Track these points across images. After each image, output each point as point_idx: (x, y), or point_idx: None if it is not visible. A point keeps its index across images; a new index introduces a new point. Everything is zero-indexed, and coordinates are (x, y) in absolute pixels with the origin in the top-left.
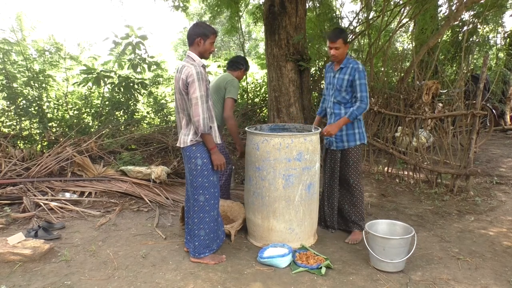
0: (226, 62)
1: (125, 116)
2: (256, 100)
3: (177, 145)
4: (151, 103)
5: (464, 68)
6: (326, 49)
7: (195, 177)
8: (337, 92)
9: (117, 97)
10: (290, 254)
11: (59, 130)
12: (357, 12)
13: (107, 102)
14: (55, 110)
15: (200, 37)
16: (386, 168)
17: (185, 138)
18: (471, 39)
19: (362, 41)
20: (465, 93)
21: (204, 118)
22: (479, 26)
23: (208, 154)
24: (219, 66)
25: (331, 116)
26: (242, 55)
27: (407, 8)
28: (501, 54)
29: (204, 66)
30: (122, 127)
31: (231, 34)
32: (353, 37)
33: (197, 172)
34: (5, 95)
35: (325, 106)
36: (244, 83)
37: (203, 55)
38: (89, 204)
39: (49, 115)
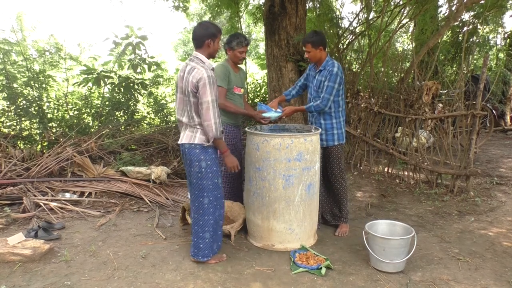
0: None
1: (125, 116)
2: (256, 100)
3: (179, 142)
4: (151, 104)
5: (464, 68)
6: None
7: (200, 179)
8: (315, 93)
9: (117, 97)
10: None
11: (59, 130)
12: (357, 12)
13: (107, 102)
14: (55, 110)
15: (210, 39)
16: (386, 169)
17: (193, 135)
18: (471, 40)
19: (362, 41)
20: (465, 93)
21: (216, 123)
22: (479, 27)
23: (212, 156)
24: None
25: (312, 115)
26: None
27: (407, 8)
28: (501, 55)
29: (213, 69)
30: (122, 127)
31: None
32: (353, 37)
33: (202, 175)
34: (5, 95)
35: (294, 93)
36: None
37: (212, 55)
38: (89, 204)
39: (49, 115)
